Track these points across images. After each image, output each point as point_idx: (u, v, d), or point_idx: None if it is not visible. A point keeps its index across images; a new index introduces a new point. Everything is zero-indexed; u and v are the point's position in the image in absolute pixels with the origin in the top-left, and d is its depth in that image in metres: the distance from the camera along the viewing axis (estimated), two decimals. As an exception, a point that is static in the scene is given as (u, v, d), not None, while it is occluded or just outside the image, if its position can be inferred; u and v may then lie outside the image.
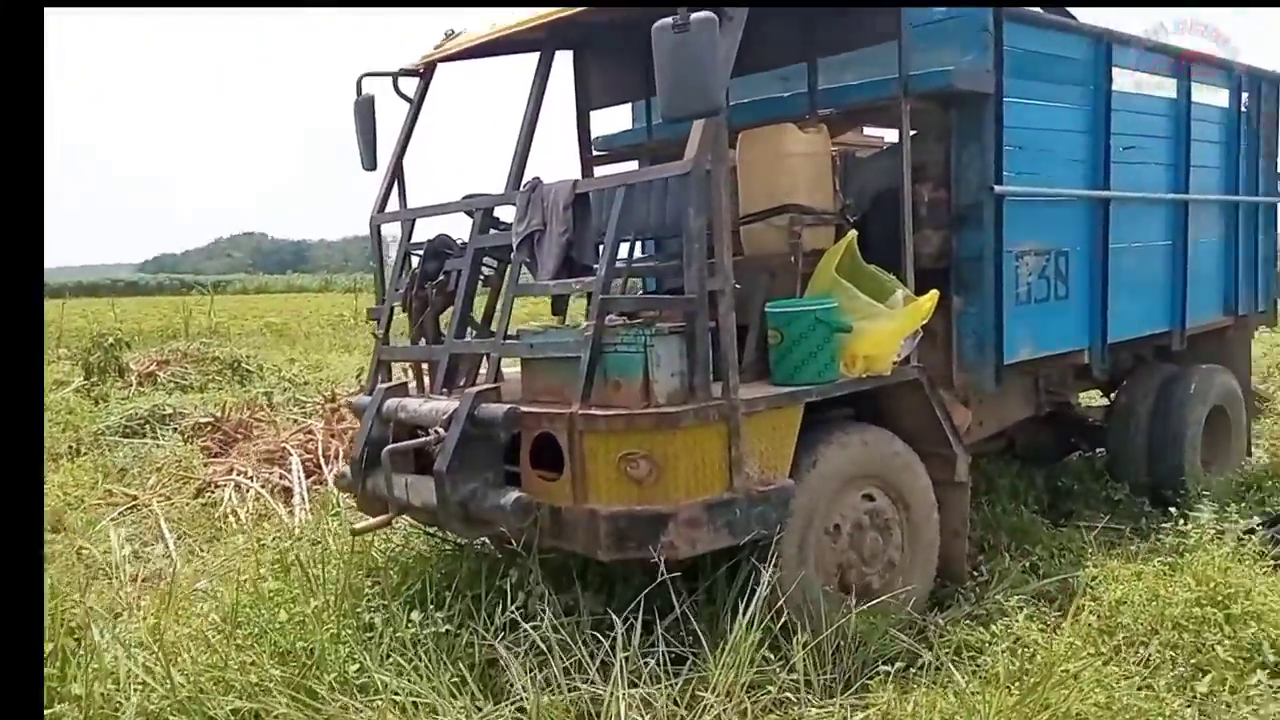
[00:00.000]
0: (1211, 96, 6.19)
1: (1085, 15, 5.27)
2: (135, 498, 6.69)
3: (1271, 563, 4.69)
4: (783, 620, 3.62)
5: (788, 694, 3.30)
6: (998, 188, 4.53)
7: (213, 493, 6.71)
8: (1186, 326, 6.07)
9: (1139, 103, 5.56)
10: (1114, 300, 5.37)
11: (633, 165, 5.56)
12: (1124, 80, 5.33)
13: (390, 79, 4.79)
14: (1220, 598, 3.83)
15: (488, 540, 4.30)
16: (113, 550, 5.10)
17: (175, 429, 8.38)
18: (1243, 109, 6.47)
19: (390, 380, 4.52)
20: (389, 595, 3.99)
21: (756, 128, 4.52)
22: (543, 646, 3.36)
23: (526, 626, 3.43)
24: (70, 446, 8.12)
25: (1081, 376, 6.24)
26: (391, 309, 4.57)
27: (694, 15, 3.31)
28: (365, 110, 4.74)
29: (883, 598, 4.03)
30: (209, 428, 8.28)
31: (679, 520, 3.53)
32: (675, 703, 3.18)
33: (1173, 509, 5.08)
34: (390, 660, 3.51)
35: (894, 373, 4.22)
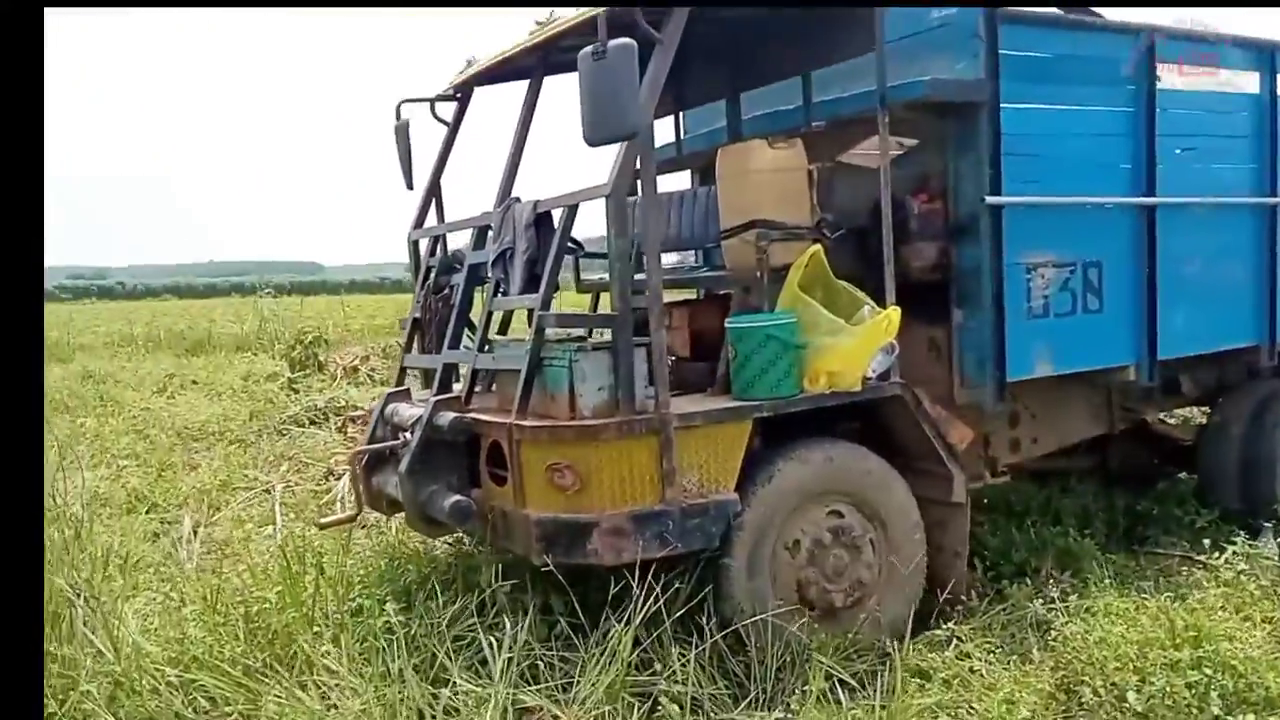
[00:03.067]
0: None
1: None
2: (268, 484, 7.52)
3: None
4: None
5: (678, 704, 3.39)
6: (991, 199, 4.34)
7: (328, 480, 7.42)
8: (1279, 341, 5.51)
9: (1201, 100, 5.09)
10: (1167, 313, 4.97)
11: (670, 178, 5.72)
12: (1176, 78, 4.91)
13: (428, 105, 5.18)
14: (1178, 641, 3.55)
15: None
16: (183, 532, 5.81)
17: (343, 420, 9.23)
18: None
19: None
20: (377, 585, 4.38)
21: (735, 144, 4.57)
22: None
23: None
24: (256, 433, 9.18)
25: (1171, 392, 5.81)
26: (415, 319, 4.98)
27: (612, 43, 3.44)
28: (402, 135, 5.15)
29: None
30: (362, 420, 9.08)
31: (602, 529, 3.69)
32: (556, 701, 3.36)
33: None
34: (365, 645, 3.88)
35: (865, 389, 4.17)
